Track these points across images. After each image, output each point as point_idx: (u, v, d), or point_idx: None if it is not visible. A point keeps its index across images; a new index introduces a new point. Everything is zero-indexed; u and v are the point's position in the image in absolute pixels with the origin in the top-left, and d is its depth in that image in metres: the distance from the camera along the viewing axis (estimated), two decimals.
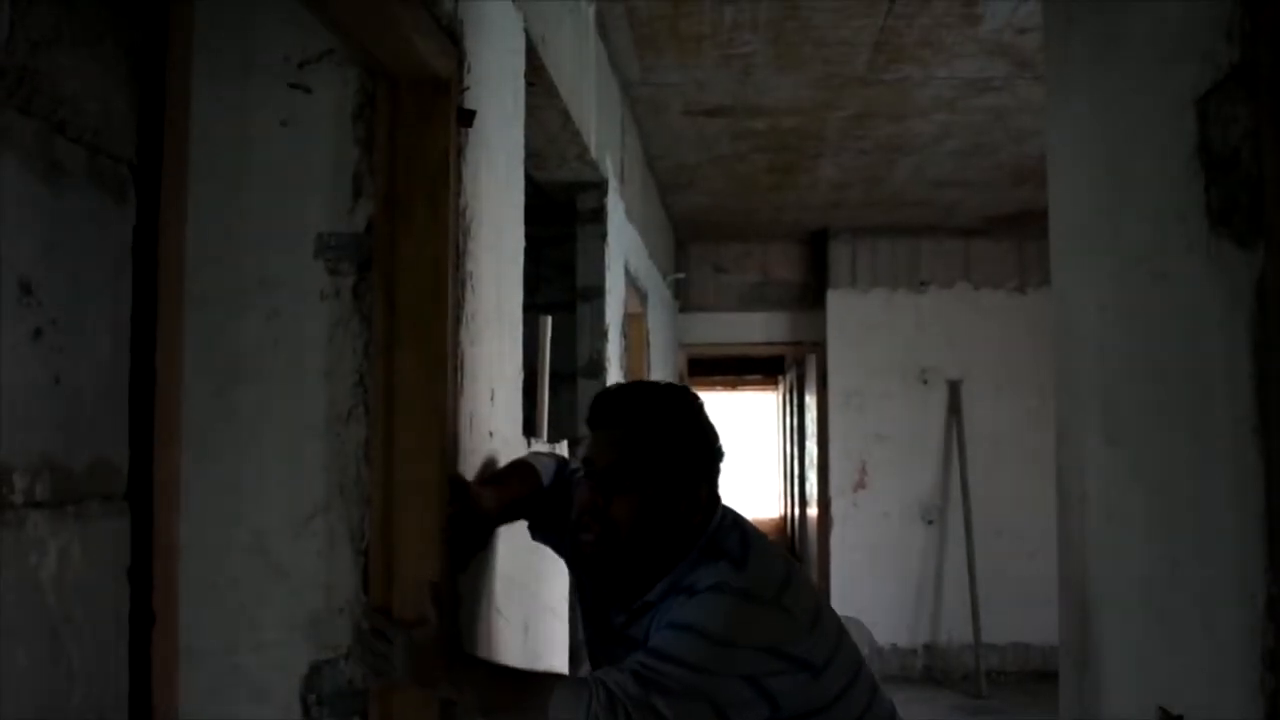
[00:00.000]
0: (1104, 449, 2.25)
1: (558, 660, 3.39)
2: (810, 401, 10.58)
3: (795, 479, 13.46)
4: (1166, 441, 1.96)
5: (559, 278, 5.10)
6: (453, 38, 2.13)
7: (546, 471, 2.17)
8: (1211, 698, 1.78)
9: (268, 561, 2.05)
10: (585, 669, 2.09)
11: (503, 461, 2.40)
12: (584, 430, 4.71)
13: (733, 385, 17.05)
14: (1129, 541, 2.13)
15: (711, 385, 14.84)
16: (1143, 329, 2.05)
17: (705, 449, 1.88)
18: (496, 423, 2.45)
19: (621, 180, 5.04)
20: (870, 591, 8.03)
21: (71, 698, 0.97)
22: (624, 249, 5.15)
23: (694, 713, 1.63)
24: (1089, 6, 2.30)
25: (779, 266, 8.90)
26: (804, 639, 1.74)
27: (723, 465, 1.91)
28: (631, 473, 1.80)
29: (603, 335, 4.65)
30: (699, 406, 1.90)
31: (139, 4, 1.05)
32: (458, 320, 2.12)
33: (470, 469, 2.20)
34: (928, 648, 8.23)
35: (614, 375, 4.85)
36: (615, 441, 1.84)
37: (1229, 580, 1.70)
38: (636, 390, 1.97)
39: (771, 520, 17.20)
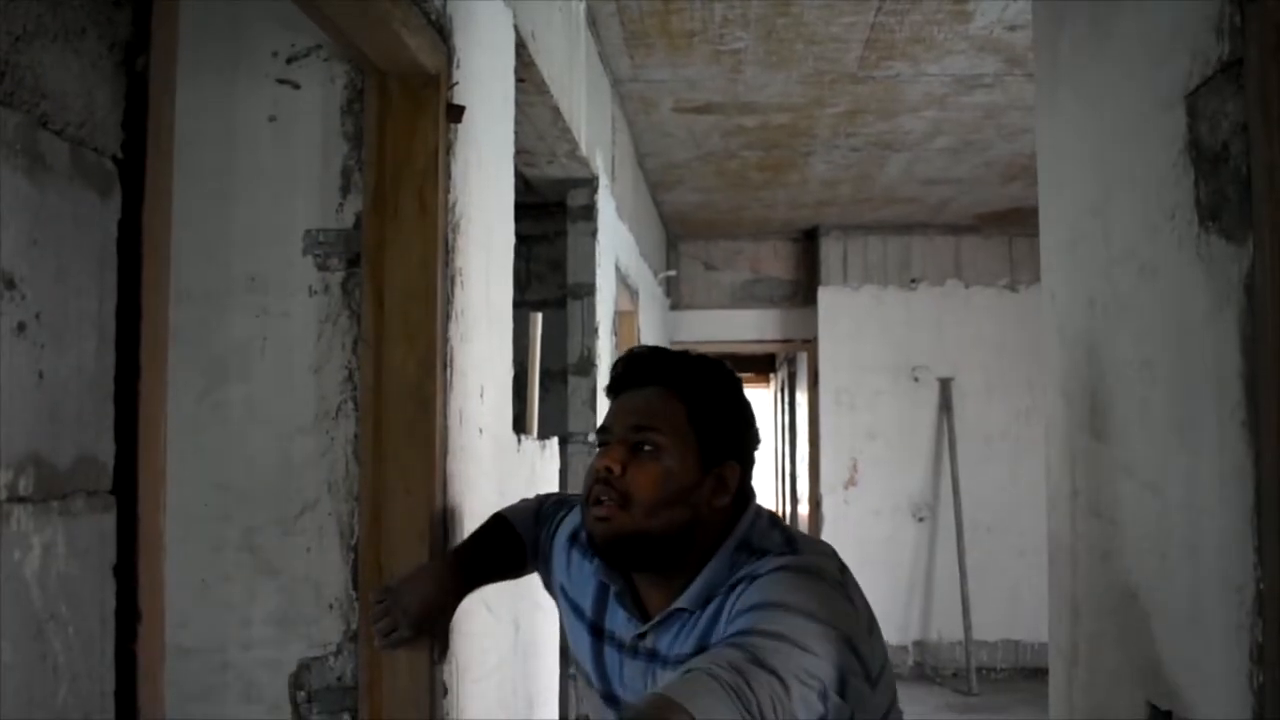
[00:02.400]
0: (1093, 445, 2.25)
1: (549, 658, 3.39)
2: (802, 399, 10.59)
3: (787, 476, 13.47)
4: (1155, 437, 1.96)
5: (550, 275, 5.10)
6: (442, 33, 2.12)
7: (525, 524, 1.92)
8: (1200, 693, 1.79)
9: (258, 558, 2.05)
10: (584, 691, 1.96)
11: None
12: (575, 427, 4.71)
13: None
14: (1118, 538, 2.13)
15: None
16: (1132, 325, 2.06)
17: (741, 424, 1.63)
18: (486, 419, 2.44)
19: (612, 177, 5.03)
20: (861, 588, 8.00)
21: (57, 695, 0.96)
22: (614, 246, 5.14)
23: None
24: (1079, 3, 2.30)
25: (770, 264, 8.90)
26: (866, 639, 1.45)
27: (757, 453, 1.66)
28: (655, 436, 1.54)
29: (594, 333, 4.65)
30: (737, 380, 1.66)
31: None
32: (447, 316, 2.11)
33: (460, 465, 2.20)
34: (918, 644, 8.24)
35: (604, 373, 4.83)
36: (640, 402, 1.58)
37: (1217, 576, 1.71)
38: (668, 351, 1.66)
39: None
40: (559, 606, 1.81)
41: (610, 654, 1.66)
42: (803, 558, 1.51)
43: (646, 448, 1.53)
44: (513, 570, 1.94)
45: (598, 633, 1.68)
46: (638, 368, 1.62)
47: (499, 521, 1.94)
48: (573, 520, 1.80)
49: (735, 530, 1.56)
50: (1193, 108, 1.77)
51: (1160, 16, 1.89)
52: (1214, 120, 1.69)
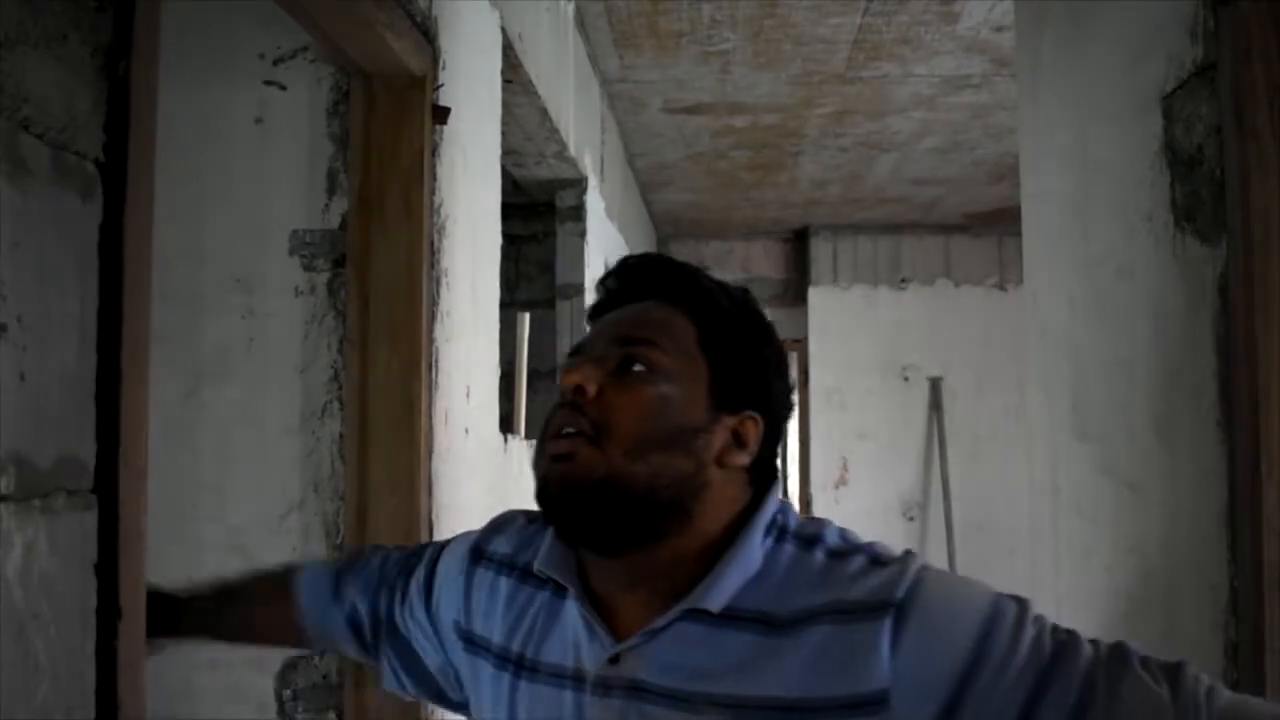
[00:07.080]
0: (1074, 443, 2.27)
1: None
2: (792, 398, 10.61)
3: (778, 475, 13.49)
4: (1134, 437, 1.98)
5: (538, 275, 5.11)
6: (427, 35, 2.13)
7: (315, 582, 1.34)
8: None
9: (244, 558, 2.06)
10: None
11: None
12: None
13: None
14: (1098, 535, 2.15)
15: None
16: (1110, 325, 2.07)
17: (771, 368, 1.12)
18: (472, 419, 2.45)
19: (601, 178, 5.04)
20: None
21: (37, 693, 0.97)
22: (604, 246, 5.15)
23: None
24: (1059, 6, 2.31)
25: (760, 263, 8.91)
26: None
27: (786, 424, 1.15)
28: (652, 352, 1.05)
29: (582, 333, 4.65)
30: (768, 320, 1.15)
31: (105, 2, 1.05)
32: (432, 317, 2.13)
33: (446, 465, 2.21)
34: None
35: None
36: (632, 314, 1.11)
37: (1193, 574, 1.72)
38: (675, 261, 1.17)
39: None
40: (458, 664, 1.19)
41: (547, 696, 1.06)
42: (907, 555, 1.03)
43: (637, 367, 1.04)
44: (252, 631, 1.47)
45: (521, 666, 1.10)
46: (633, 278, 1.15)
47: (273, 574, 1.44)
48: (465, 539, 1.25)
49: (763, 507, 1.08)
50: (1168, 110, 1.78)
51: (1137, 19, 1.91)
52: (1189, 123, 1.71)
